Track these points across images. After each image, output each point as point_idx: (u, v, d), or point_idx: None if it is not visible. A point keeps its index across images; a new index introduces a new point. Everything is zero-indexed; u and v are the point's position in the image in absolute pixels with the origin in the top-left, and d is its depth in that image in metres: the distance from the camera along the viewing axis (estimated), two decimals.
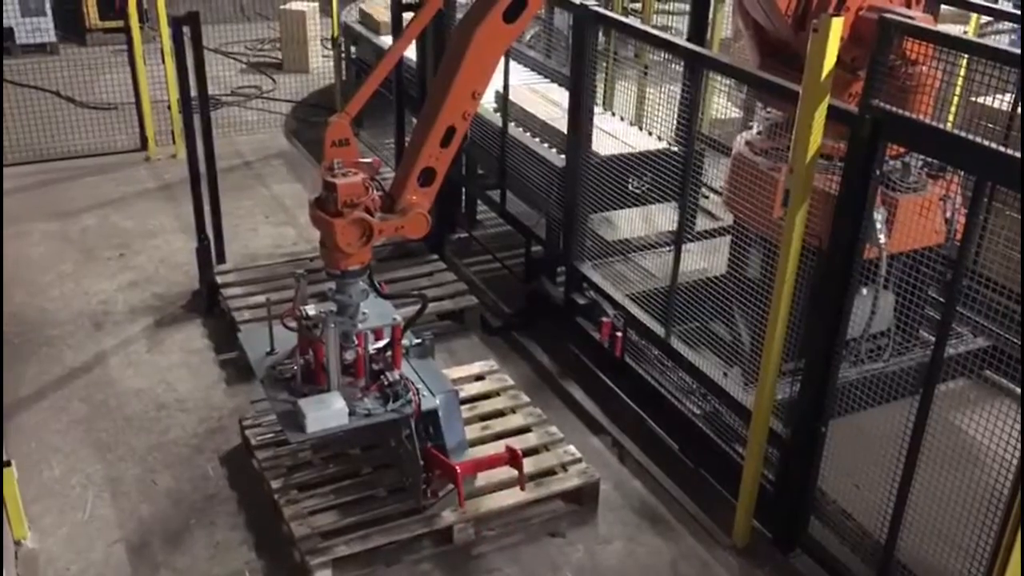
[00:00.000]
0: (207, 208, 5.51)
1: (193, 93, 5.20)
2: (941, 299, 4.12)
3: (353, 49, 8.53)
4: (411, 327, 4.08)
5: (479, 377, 4.83)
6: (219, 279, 5.60)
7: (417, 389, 3.82)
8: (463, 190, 6.58)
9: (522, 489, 3.96)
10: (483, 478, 4.05)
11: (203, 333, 5.47)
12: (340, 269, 3.78)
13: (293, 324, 3.97)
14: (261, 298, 5.44)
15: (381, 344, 3.98)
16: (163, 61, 7.45)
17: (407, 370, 3.98)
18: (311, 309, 3.93)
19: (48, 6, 10.07)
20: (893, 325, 4.40)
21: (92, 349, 5.29)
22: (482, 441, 4.32)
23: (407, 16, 5.88)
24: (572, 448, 4.32)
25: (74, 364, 5.16)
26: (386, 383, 3.80)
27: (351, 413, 3.70)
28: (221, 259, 5.74)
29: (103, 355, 5.24)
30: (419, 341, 4.13)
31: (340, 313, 3.85)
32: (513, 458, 3.91)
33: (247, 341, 4.26)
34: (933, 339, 3.20)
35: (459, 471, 3.77)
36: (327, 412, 3.65)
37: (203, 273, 5.65)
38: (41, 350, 5.27)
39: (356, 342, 3.88)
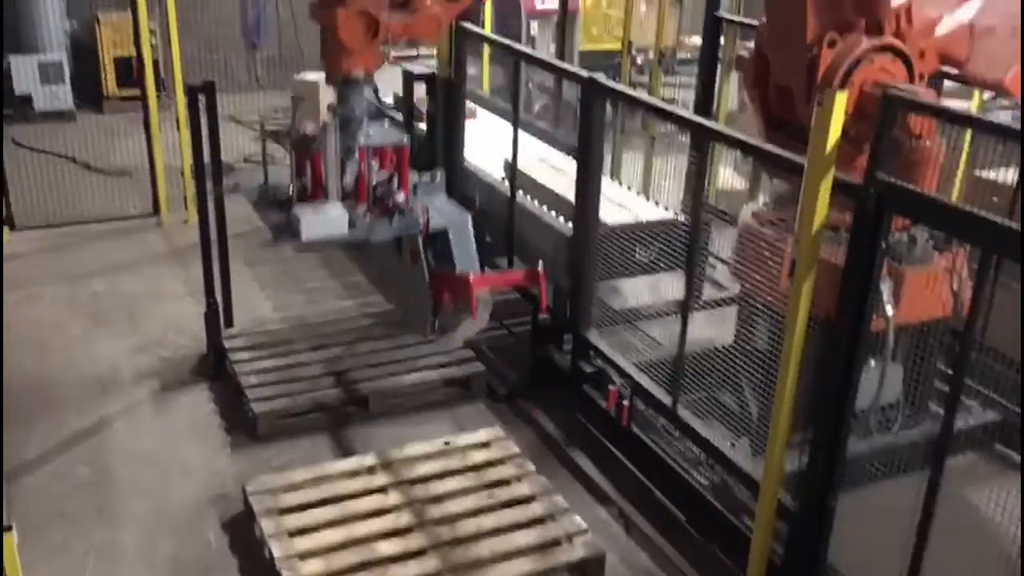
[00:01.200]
0: (216, 273, 5.56)
1: (206, 159, 5.28)
2: (949, 371, 4.10)
3: None
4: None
5: (485, 444, 4.80)
6: (226, 343, 5.61)
7: (426, 208, 3.44)
8: None
9: (543, 311, 3.65)
10: (487, 547, 4.00)
11: (209, 398, 5.46)
12: (341, 72, 3.35)
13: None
14: (268, 363, 5.46)
15: (386, 175, 3.57)
16: (178, 128, 7.58)
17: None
18: (310, 127, 3.54)
19: (67, 75, 10.28)
20: (902, 397, 4.38)
21: (98, 413, 5.28)
22: (489, 509, 4.28)
23: (418, 87, 6.00)
24: (578, 519, 4.27)
25: (79, 428, 5.14)
26: (391, 204, 3.44)
27: (351, 225, 3.31)
28: (229, 323, 5.76)
29: (108, 419, 5.23)
30: (428, 177, 3.71)
31: (343, 128, 3.46)
32: (531, 277, 3.46)
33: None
34: (942, 412, 3.18)
35: (472, 281, 3.46)
36: (324, 218, 3.29)
37: (211, 337, 5.67)
38: (47, 413, 5.26)
39: (359, 159, 3.44)
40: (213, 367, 5.65)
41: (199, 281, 5.63)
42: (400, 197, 3.46)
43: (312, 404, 5.19)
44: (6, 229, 7.43)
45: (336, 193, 3.41)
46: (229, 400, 5.38)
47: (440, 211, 3.56)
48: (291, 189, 3.45)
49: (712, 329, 4.94)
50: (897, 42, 4.13)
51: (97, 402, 5.39)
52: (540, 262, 3.67)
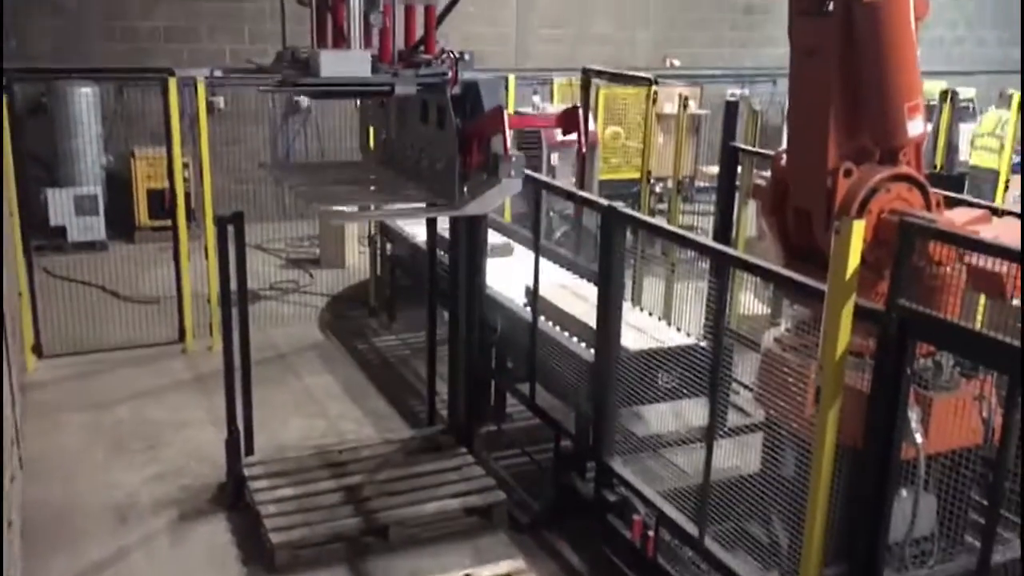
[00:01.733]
0: (239, 400, 5.57)
1: (233, 287, 5.38)
2: (984, 502, 3.98)
3: (389, 246, 8.83)
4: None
5: None
6: (246, 471, 5.57)
7: (455, 60, 3.15)
8: (492, 383, 6.61)
9: (582, 151, 3.38)
10: None
11: (227, 528, 5.38)
12: None
13: None
14: (288, 491, 5.40)
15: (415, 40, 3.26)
16: (206, 257, 7.75)
17: None
18: None
19: (101, 207, 10.60)
20: (936, 529, 4.24)
21: (115, 543, 5.21)
22: None
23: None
24: None
25: (97, 558, 5.07)
26: (419, 58, 3.15)
27: (375, 71, 3.02)
28: (250, 451, 5.73)
29: (126, 549, 5.16)
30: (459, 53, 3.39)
31: None
32: (568, 117, 3.22)
33: None
34: (979, 545, 3.08)
35: (505, 113, 3.07)
36: (346, 57, 3.02)
37: (231, 465, 5.63)
38: (67, 544, 5.19)
39: (383, 10, 3.18)
40: (232, 496, 5.59)
41: (222, 408, 5.64)
42: (426, 54, 3.23)
43: (331, 534, 5.10)
44: (34, 357, 7.52)
45: (359, 43, 3.13)
46: (247, 530, 5.30)
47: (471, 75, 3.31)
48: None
49: (738, 457, 4.85)
50: (912, 171, 4.21)
51: (116, 532, 5.32)
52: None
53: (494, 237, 6.98)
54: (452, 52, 3.26)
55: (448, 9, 3.48)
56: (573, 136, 3.48)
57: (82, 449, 6.29)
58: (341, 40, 3.26)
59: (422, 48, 3.30)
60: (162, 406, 6.95)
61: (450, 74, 3.19)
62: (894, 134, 4.16)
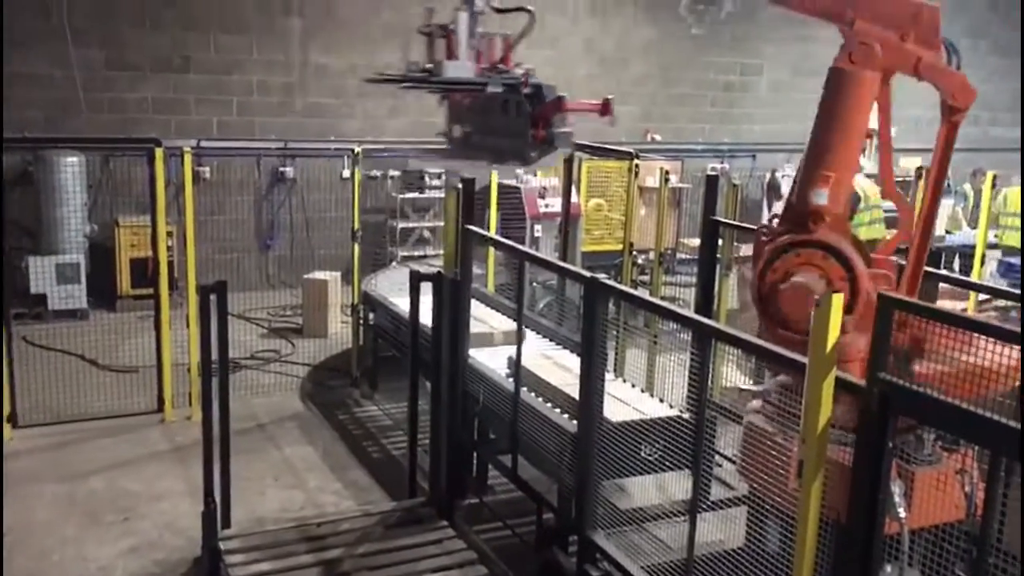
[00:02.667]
0: (217, 471, 5.48)
1: (214, 356, 5.34)
2: None
3: (372, 316, 8.82)
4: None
5: None
6: (222, 545, 5.45)
7: (527, 70, 4.62)
8: (475, 455, 6.55)
9: (610, 119, 4.61)
10: None
11: None
12: None
13: None
14: (264, 566, 5.28)
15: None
16: (187, 326, 7.71)
17: None
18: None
19: (83, 275, 10.58)
20: None
21: None
22: None
23: (424, 286, 6.15)
24: None
25: None
26: (502, 69, 4.69)
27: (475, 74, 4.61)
28: (227, 524, 5.62)
29: None
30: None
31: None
32: (604, 107, 4.50)
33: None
34: None
35: (562, 97, 4.48)
36: (460, 65, 4.67)
37: (206, 539, 5.52)
38: None
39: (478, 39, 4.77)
40: (207, 570, 5.46)
41: (199, 479, 5.55)
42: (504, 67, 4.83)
43: None
44: (8, 427, 7.40)
45: (465, 58, 4.71)
46: None
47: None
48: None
49: (722, 531, 4.80)
50: (828, 239, 4.23)
51: None
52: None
53: (502, 322, 6.90)
54: (523, 65, 4.75)
55: (520, 38, 4.94)
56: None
57: (55, 521, 6.16)
58: (453, 56, 4.73)
59: (501, 64, 4.84)
60: (138, 477, 6.84)
61: (523, 79, 4.61)
62: (801, 197, 4.27)
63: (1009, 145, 14.90)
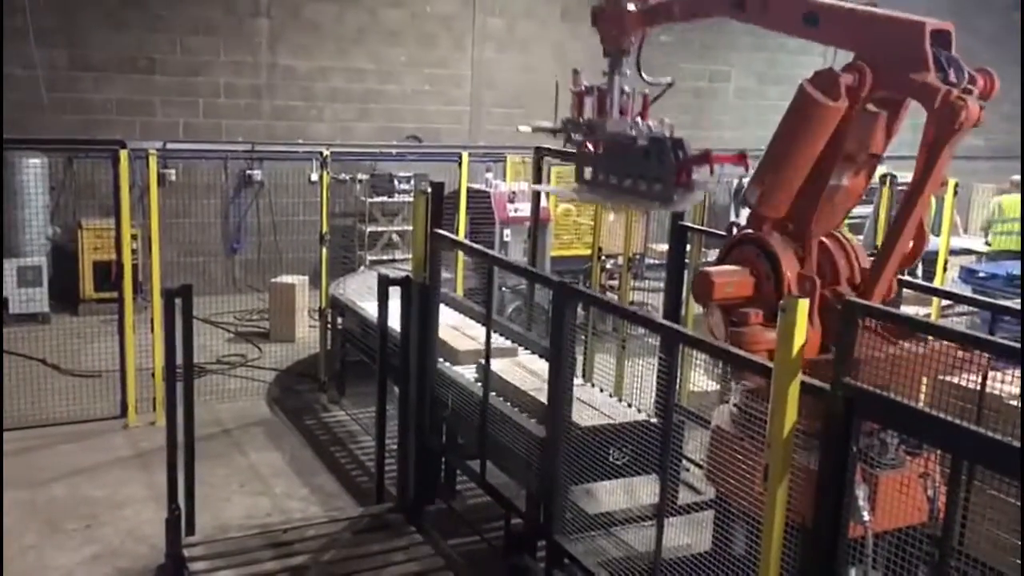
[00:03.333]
0: (181, 477, 5.42)
1: (179, 361, 5.28)
2: None
3: (340, 320, 8.77)
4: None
5: None
6: (186, 552, 5.39)
7: (671, 125, 5.06)
8: (443, 460, 6.53)
9: (746, 170, 4.76)
10: None
11: None
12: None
13: None
14: (229, 573, 5.23)
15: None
16: (152, 330, 7.62)
17: None
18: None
19: (45, 278, 10.42)
20: None
21: None
22: None
23: (393, 290, 6.13)
24: None
25: None
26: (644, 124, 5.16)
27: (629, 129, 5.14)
28: (191, 531, 5.56)
29: None
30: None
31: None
32: (739, 158, 4.67)
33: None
34: None
35: (710, 152, 4.71)
36: (617, 122, 5.21)
37: (170, 546, 5.45)
38: None
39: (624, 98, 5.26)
40: None
41: (163, 485, 5.48)
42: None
43: None
44: None
45: (616, 114, 5.26)
46: None
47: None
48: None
49: (689, 534, 4.82)
50: (765, 238, 4.27)
51: None
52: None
53: (496, 340, 6.62)
54: (665, 120, 5.15)
55: (656, 97, 5.35)
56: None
57: (15, 528, 6.05)
58: (604, 113, 5.27)
59: (639, 117, 5.28)
60: (101, 484, 6.74)
61: (670, 132, 5.08)
62: (746, 196, 4.38)
63: (968, 153, 15.14)
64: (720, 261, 4.49)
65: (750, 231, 4.36)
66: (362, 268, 10.85)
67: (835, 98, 3.99)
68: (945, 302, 7.51)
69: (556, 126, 5.56)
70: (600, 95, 5.34)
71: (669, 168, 4.93)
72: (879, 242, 8.79)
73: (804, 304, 3.27)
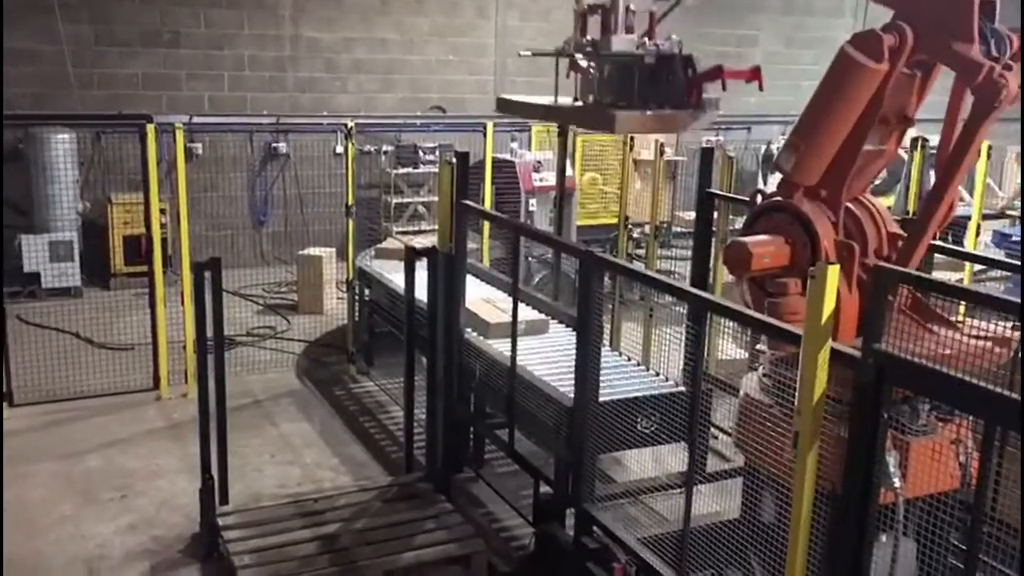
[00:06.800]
0: (213, 448, 5.49)
1: (209, 334, 5.33)
2: (963, 547, 3.98)
3: (367, 292, 8.80)
4: None
5: None
6: (220, 521, 5.47)
7: (679, 42, 4.81)
8: (471, 430, 6.56)
9: (761, 88, 4.82)
10: None
11: None
12: None
13: None
14: (262, 541, 5.30)
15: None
16: (182, 303, 7.69)
17: None
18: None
19: (76, 253, 10.53)
20: (916, 574, 4.22)
21: None
22: None
23: (420, 265, 6.13)
24: None
25: None
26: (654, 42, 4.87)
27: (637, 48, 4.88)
28: (224, 500, 5.64)
29: None
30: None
31: None
32: (754, 73, 4.64)
33: None
34: None
35: (722, 68, 4.63)
36: (621, 39, 4.92)
37: (204, 515, 5.53)
38: None
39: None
40: (205, 546, 5.49)
41: (196, 456, 5.56)
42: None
43: None
44: (4, 405, 7.40)
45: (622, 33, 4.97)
46: None
47: None
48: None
49: (718, 502, 4.83)
50: (799, 207, 4.21)
51: None
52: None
53: (525, 311, 6.66)
54: (673, 36, 4.84)
55: (665, 13, 5.07)
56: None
57: (52, 499, 6.17)
58: (608, 31, 4.98)
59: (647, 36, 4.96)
60: (135, 455, 6.85)
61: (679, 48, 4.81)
62: (777, 160, 4.28)
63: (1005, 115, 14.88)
64: (748, 229, 4.44)
65: (780, 199, 4.31)
66: (388, 239, 10.87)
67: (878, 60, 3.92)
68: (978, 267, 7.40)
69: (560, 48, 5.26)
70: (604, 13, 5.06)
71: (679, 86, 4.70)
72: (911, 207, 8.69)
73: (835, 270, 3.24)
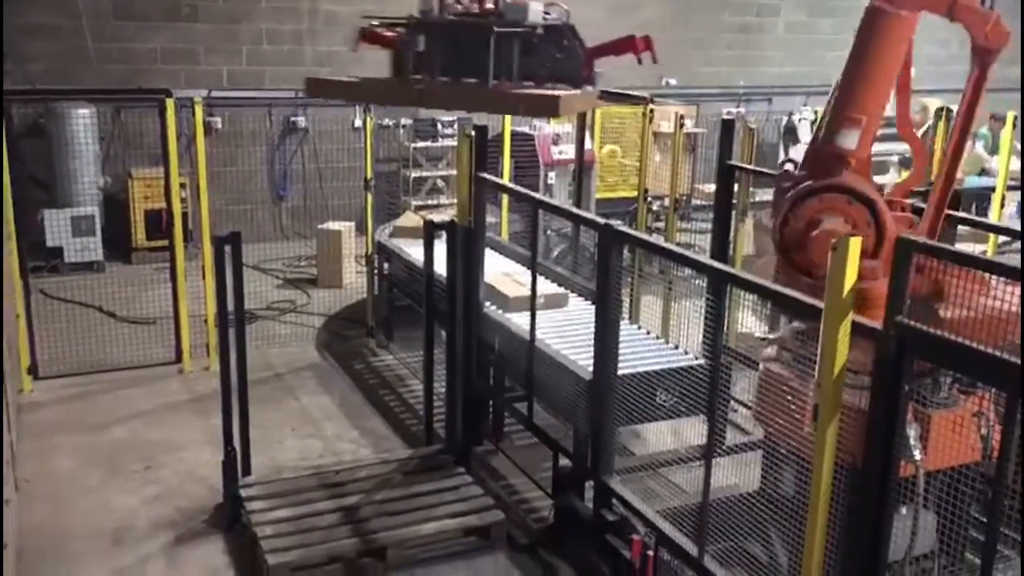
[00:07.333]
0: (235, 420, 5.54)
1: (230, 307, 5.36)
2: (984, 520, 3.97)
3: (386, 266, 8.83)
4: None
5: None
6: (242, 492, 5.53)
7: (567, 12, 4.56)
8: (490, 403, 6.59)
9: (654, 61, 4.63)
10: None
11: (223, 550, 5.35)
12: None
13: None
14: (284, 512, 5.37)
15: None
16: (203, 277, 7.74)
17: None
18: None
19: (98, 227, 10.60)
20: (937, 547, 4.22)
21: (109, 567, 5.17)
22: None
23: (438, 242, 6.13)
24: None
25: None
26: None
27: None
28: (247, 472, 5.70)
29: (120, 573, 5.12)
30: None
31: None
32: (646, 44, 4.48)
33: None
34: (979, 562, 3.07)
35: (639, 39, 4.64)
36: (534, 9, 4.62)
37: (227, 487, 5.60)
38: (60, 567, 5.16)
39: None
40: (228, 517, 5.56)
41: (218, 428, 5.61)
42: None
43: (328, 555, 5.07)
44: (30, 378, 7.49)
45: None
46: (244, 552, 5.26)
47: None
48: None
49: (737, 475, 4.83)
50: (857, 185, 4.16)
51: (111, 555, 5.29)
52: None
53: (545, 285, 6.71)
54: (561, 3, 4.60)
55: None
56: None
57: (77, 471, 6.26)
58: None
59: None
60: (158, 427, 6.92)
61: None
62: (827, 140, 4.19)
63: None
64: (788, 214, 4.33)
65: (831, 179, 4.20)
66: (407, 213, 10.87)
67: (909, 8, 3.93)
68: (1002, 239, 7.32)
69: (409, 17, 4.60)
70: None
71: (576, 58, 4.37)
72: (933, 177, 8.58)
73: (857, 242, 3.21)
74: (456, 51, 4.58)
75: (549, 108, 4.79)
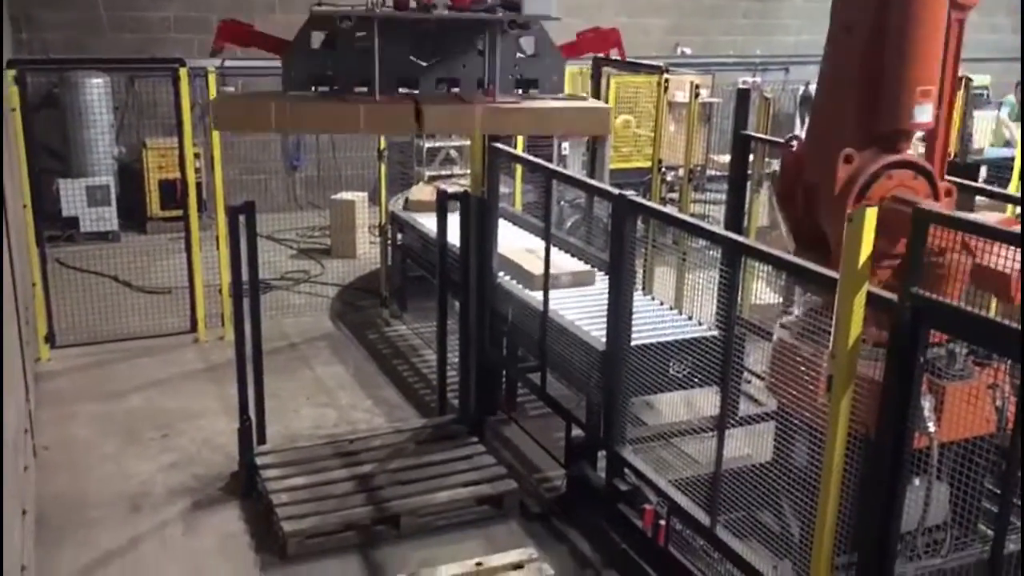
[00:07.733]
0: (251, 389, 5.58)
1: (244, 277, 5.38)
2: (997, 491, 3.96)
3: (400, 236, 8.83)
4: None
5: (517, 566, 4.68)
6: (258, 460, 5.59)
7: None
8: (504, 373, 6.61)
9: (622, 58, 4.31)
10: None
11: (239, 516, 5.41)
12: None
13: None
14: (299, 480, 5.42)
15: None
16: (217, 247, 7.76)
17: None
18: None
19: (113, 197, 10.63)
20: (949, 518, 4.22)
21: (128, 532, 5.24)
22: None
23: (452, 215, 6.13)
24: None
25: (109, 547, 5.10)
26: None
27: None
28: (262, 440, 5.75)
29: (138, 539, 5.19)
30: None
31: None
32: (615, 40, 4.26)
33: None
34: (992, 533, 3.07)
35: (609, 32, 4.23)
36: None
37: (243, 455, 5.65)
38: (78, 533, 5.23)
39: None
40: (244, 485, 5.62)
41: (234, 397, 5.66)
42: None
43: (342, 523, 5.12)
44: (47, 347, 7.56)
45: None
46: (259, 519, 5.32)
47: None
48: None
49: (750, 446, 4.84)
50: (918, 159, 4.15)
51: (129, 521, 5.35)
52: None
53: (571, 263, 6.62)
54: None
55: None
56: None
57: (95, 438, 6.32)
58: None
59: None
60: (174, 396, 6.98)
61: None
62: (901, 118, 4.13)
63: None
64: (858, 195, 4.25)
65: (899, 156, 4.17)
66: (420, 184, 10.85)
67: None
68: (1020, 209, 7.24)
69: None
70: None
71: (557, 59, 3.94)
72: (952, 149, 8.50)
73: (873, 213, 3.19)
74: (443, 52, 4.02)
75: (602, 124, 4.50)
